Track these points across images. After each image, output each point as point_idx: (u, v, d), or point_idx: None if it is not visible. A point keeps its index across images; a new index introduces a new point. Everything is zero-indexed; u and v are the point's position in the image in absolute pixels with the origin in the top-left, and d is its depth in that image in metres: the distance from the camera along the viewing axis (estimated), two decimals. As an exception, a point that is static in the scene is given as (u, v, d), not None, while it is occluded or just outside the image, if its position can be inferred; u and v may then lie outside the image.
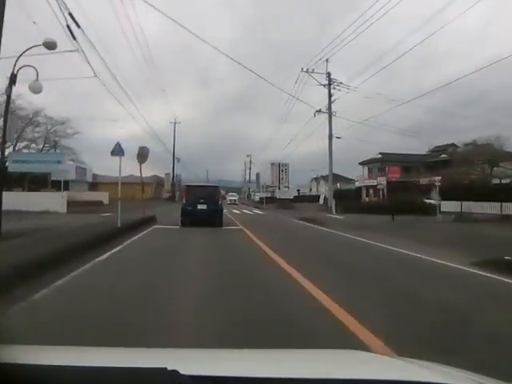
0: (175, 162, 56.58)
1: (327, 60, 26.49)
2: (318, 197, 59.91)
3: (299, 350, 2.37)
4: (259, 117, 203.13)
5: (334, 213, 27.36)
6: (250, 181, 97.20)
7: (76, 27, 11.81)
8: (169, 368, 0.92)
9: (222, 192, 24.67)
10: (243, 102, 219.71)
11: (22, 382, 0.89)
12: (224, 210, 18.66)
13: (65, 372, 0.96)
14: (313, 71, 27.28)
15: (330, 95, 27.46)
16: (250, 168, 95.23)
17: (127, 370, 1.00)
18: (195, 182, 25.66)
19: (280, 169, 48.26)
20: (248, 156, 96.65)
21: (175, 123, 56.10)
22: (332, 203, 27.86)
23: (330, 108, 27.24)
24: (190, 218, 16.02)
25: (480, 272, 7.50)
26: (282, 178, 45.08)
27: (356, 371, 1.29)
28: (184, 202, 16.76)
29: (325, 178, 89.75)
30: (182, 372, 0.91)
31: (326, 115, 28.02)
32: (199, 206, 16.23)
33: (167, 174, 59.77)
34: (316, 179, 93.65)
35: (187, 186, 18.54)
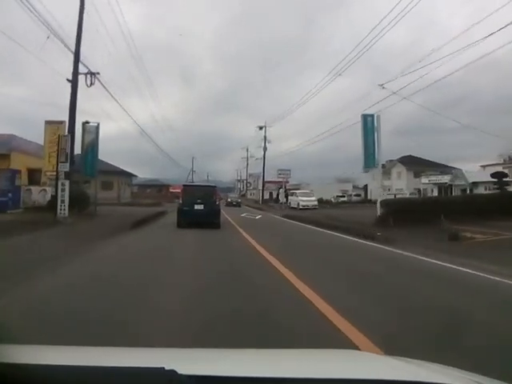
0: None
1: None
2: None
3: (298, 349, 2.33)
4: (246, 116, 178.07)
5: None
6: (264, 171, 56.20)
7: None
8: (166, 368, 0.91)
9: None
10: (229, 102, 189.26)
11: (20, 382, 0.88)
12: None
13: (63, 372, 0.94)
14: None
15: None
16: (265, 148, 54.23)
17: (125, 370, 0.99)
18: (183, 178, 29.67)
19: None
20: (261, 128, 55.09)
21: None
22: None
23: None
24: (187, 219, 15.59)
25: None
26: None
27: (356, 371, 1.27)
28: (180, 201, 16.45)
29: (404, 160, 51.76)
30: (179, 372, 0.90)
31: None
32: (196, 207, 15.91)
33: (49, 124, 18.61)
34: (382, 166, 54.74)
35: (184, 185, 18.76)
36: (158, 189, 74.14)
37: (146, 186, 73.68)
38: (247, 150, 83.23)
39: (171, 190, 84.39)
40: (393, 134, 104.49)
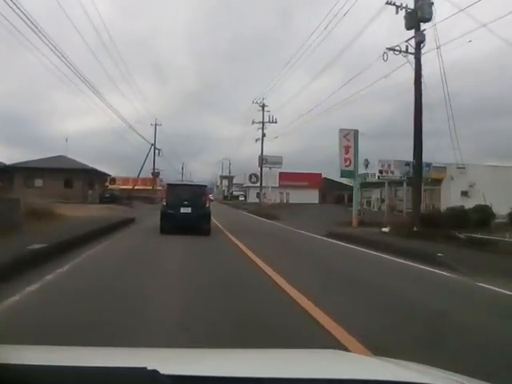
0: None
1: None
2: None
3: (283, 349, 2.31)
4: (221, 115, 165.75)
5: None
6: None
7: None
8: (149, 368, 0.90)
9: None
10: (203, 99, 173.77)
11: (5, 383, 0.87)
12: None
13: (44, 371, 0.94)
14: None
15: None
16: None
17: (107, 370, 0.98)
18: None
19: None
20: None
21: None
22: None
23: None
24: (171, 224, 13.58)
25: None
26: None
27: (341, 371, 1.28)
28: (164, 203, 14.20)
29: None
30: (162, 372, 0.90)
31: None
32: (182, 210, 13.71)
33: None
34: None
35: (169, 184, 16.14)
36: (66, 180, 31.92)
37: (31, 170, 31.71)
38: (263, 106, 42.71)
39: (110, 186, 43.53)
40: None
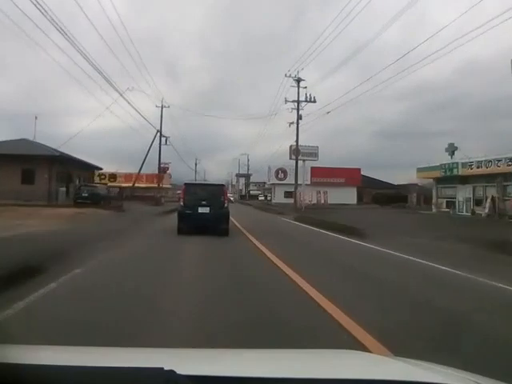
0: None
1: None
2: None
3: (297, 350, 2.36)
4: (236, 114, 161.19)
5: None
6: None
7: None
8: (166, 368, 0.91)
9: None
10: (218, 98, 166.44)
11: (18, 382, 0.87)
12: None
13: (61, 372, 0.94)
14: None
15: None
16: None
17: (124, 370, 0.98)
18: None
19: None
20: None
21: None
22: None
23: None
24: (189, 224, 13.25)
25: None
26: None
27: (354, 372, 1.27)
28: (182, 203, 13.92)
29: None
30: (178, 372, 0.90)
31: None
32: (200, 210, 13.39)
33: None
34: None
35: (186, 184, 15.49)
36: (24, 172, 21.72)
37: None
38: (298, 81, 31.85)
39: (110, 183, 34.14)
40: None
